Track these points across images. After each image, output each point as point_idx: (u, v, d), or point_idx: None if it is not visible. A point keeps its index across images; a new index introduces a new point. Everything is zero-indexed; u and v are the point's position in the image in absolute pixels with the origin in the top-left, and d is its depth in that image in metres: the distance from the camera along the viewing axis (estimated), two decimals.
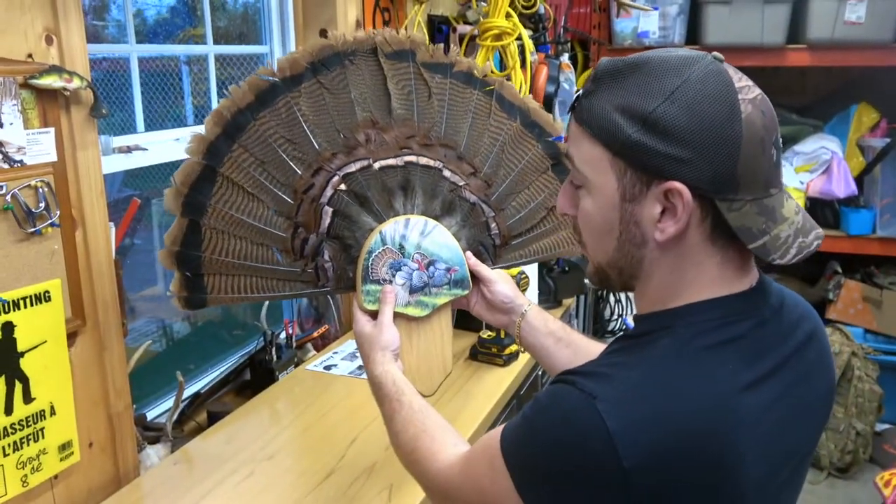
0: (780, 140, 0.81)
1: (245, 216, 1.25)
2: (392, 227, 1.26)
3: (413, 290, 1.26)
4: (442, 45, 1.40)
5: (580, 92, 0.86)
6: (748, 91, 0.79)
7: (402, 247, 1.26)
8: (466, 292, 1.29)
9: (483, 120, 1.40)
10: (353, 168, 1.28)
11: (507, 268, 1.42)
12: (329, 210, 1.27)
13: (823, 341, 0.92)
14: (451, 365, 1.33)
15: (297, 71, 1.27)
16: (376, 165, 1.29)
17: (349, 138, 1.29)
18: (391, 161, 1.30)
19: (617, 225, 0.83)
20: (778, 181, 0.81)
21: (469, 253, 1.29)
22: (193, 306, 1.27)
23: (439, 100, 1.36)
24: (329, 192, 1.27)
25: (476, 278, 1.29)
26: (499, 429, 0.86)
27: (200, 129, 1.23)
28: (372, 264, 1.24)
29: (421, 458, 1.01)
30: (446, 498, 0.97)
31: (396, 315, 1.24)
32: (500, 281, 1.28)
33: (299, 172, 1.27)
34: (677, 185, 0.77)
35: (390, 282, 1.25)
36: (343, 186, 1.27)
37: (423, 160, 1.32)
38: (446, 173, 1.33)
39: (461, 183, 1.34)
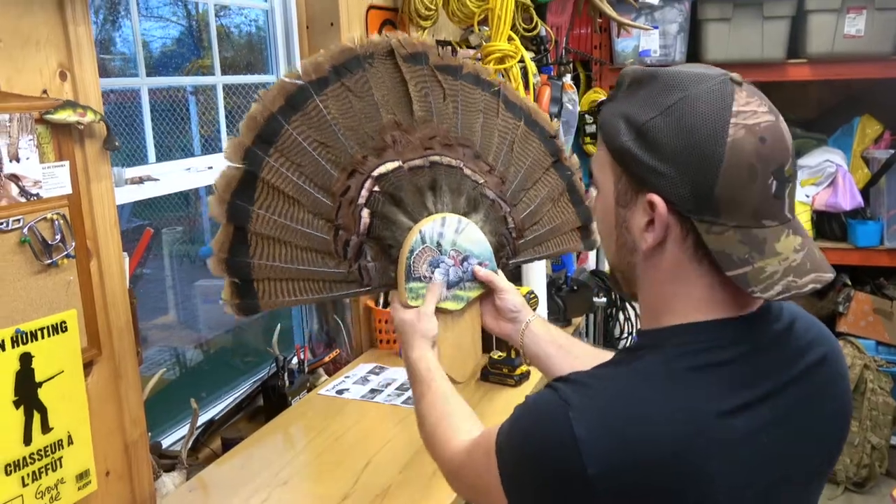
0: (790, 173, 0.78)
1: (289, 220, 1.26)
2: (430, 226, 1.29)
3: (450, 286, 1.30)
4: (448, 48, 1.44)
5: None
6: (750, 116, 0.77)
7: (439, 244, 1.29)
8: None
9: (492, 119, 1.44)
10: (384, 169, 1.30)
11: (523, 263, 1.49)
12: (367, 212, 1.29)
13: (836, 364, 0.90)
14: (481, 353, 1.39)
15: (321, 74, 1.28)
16: (406, 166, 1.31)
17: (377, 140, 1.31)
18: (418, 162, 1.32)
19: (614, 228, 0.87)
20: (777, 214, 0.78)
21: (478, 266, 1.32)
22: (247, 312, 1.26)
23: (453, 101, 1.39)
24: (365, 193, 1.29)
25: (488, 288, 1.33)
26: (501, 423, 0.89)
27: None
28: (413, 263, 1.28)
29: (438, 441, 1.09)
30: (453, 478, 1.06)
31: (436, 309, 1.28)
32: (510, 290, 1.32)
33: (335, 175, 1.28)
34: (655, 197, 0.79)
35: (430, 278, 1.28)
36: (377, 188, 1.29)
37: (446, 160, 1.35)
38: (467, 171, 1.36)
39: (481, 181, 1.37)
